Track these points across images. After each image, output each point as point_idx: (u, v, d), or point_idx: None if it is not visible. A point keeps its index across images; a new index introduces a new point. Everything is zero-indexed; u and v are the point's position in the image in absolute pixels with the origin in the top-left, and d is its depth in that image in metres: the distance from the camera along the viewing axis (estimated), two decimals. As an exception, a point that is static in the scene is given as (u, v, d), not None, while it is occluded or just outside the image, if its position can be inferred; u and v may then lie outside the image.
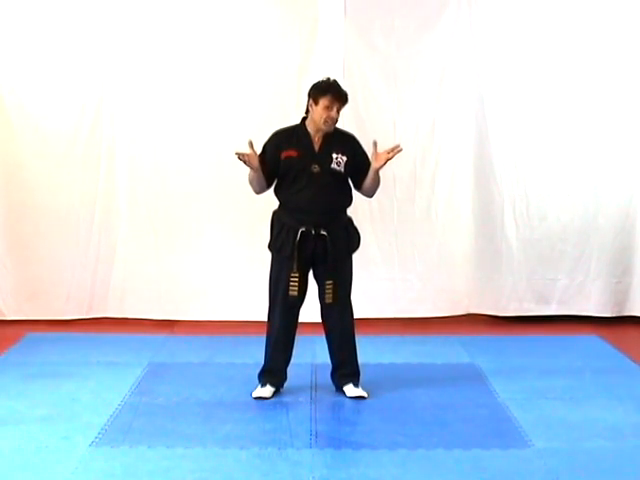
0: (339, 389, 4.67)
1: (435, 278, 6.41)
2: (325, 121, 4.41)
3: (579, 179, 6.31)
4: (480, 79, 6.24)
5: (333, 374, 4.72)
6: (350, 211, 6.26)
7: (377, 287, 6.37)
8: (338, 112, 4.42)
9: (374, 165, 4.45)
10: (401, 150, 4.45)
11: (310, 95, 4.46)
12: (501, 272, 6.41)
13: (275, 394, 4.63)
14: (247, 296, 6.21)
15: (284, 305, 4.54)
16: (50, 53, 6.13)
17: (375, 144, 4.43)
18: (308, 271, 4.57)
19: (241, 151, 4.36)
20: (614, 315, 6.41)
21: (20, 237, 6.27)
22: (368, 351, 4.86)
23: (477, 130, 6.28)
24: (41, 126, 6.17)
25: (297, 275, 4.46)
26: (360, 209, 6.30)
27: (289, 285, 4.47)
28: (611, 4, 6.17)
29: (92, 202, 6.27)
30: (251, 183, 4.53)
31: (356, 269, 6.23)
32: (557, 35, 6.19)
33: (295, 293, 4.48)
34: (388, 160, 4.42)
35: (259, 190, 4.58)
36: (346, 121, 6.16)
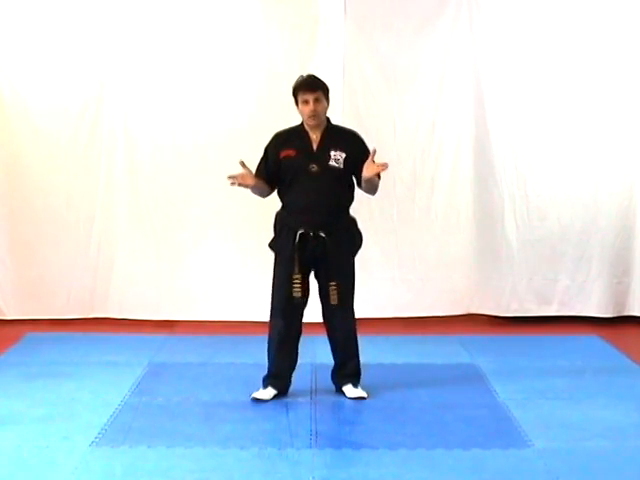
0: (339, 389, 4.66)
1: (435, 278, 6.41)
2: (308, 115, 4.40)
3: (579, 179, 6.31)
4: (480, 79, 6.24)
5: (334, 374, 4.71)
6: (350, 211, 6.27)
7: (377, 287, 6.36)
8: (319, 102, 4.39)
9: (364, 174, 4.39)
10: (386, 168, 4.37)
11: (294, 99, 4.48)
12: (501, 272, 6.40)
13: (277, 397, 4.60)
14: (247, 296, 6.21)
15: (286, 307, 4.52)
16: (50, 53, 6.13)
17: (374, 152, 4.37)
18: (309, 272, 4.55)
19: (233, 174, 4.34)
20: (614, 315, 6.41)
21: (20, 237, 6.27)
22: (368, 351, 4.86)
23: (477, 130, 6.28)
24: (41, 126, 6.18)
25: (299, 276, 4.44)
26: (360, 209, 6.28)
27: (292, 287, 4.45)
28: (611, 4, 6.17)
29: (92, 202, 6.28)
30: (254, 193, 4.54)
31: (356, 269, 6.25)
32: (557, 35, 6.19)
33: (299, 294, 4.46)
34: (378, 172, 4.35)
35: (263, 196, 4.59)
36: (346, 121, 6.18)
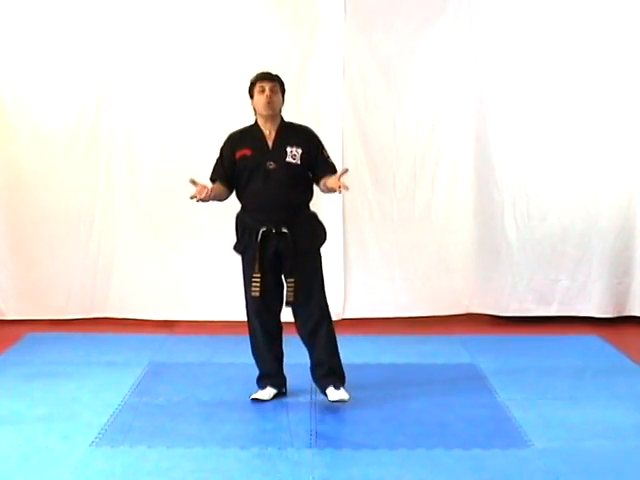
0: (322, 393, 4.53)
1: (435, 278, 6.41)
2: (264, 103, 4.40)
3: (580, 179, 6.31)
4: (480, 79, 6.24)
5: (312, 375, 4.58)
6: (351, 211, 6.26)
7: (377, 287, 6.37)
8: (275, 93, 4.41)
9: (328, 184, 4.32)
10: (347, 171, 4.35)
11: (249, 95, 4.50)
12: (501, 272, 6.40)
13: (277, 396, 4.59)
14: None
15: (258, 307, 4.51)
16: (50, 54, 6.14)
17: (346, 171, 4.32)
18: (279, 270, 4.49)
19: (192, 193, 4.26)
20: (615, 316, 6.41)
21: (20, 237, 6.28)
22: (368, 351, 4.86)
23: (477, 130, 6.28)
24: (41, 127, 6.19)
25: (258, 276, 4.41)
26: (360, 209, 6.34)
27: (252, 286, 4.42)
28: (611, 4, 6.17)
29: (92, 202, 6.28)
30: (213, 200, 4.43)
31: (356, 269, 6.26)
32: (557, 35, 6.18)
33: (257, 294, 4.42)
34: (337, 187, 4.26)
35: (221, 199, 4.53)
36: (346, 121, 6.21)
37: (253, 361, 4.74)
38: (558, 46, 6.19)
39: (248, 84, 4.51)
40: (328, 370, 4.52)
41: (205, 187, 4.33)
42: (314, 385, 4.68)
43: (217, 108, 6.18)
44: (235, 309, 6.24)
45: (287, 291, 4.45)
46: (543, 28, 6.17)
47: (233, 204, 6.16)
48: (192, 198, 4.29)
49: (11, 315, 6.33)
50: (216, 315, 6.28)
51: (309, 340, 4.55)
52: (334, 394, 4.47)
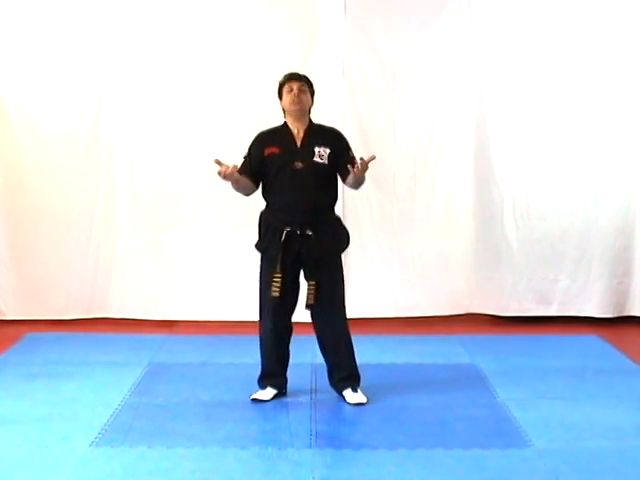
0: (339, 394, 4.59)
1: (435, 278, 6.41)
2: (292, 101, 4.42)
3: (580, 179, 6.31)
4: (480, 79, 6.24)
5: (330, 378, 4.64)
6: (351, 211, 6.26)
7: (377, 287, 6.37)
8: (303, 92, 4.44)
9: (356, 173, 4.34)
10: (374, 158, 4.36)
11: (278, 96, 4.52)
12: (501, 272, 6.40)
13: (277, 396, 4.59)
14: (247, 296, 6.18)
15: (273, 307, 4.49)
16: (50, 56, 6.14)
17: (373, 157, 4.32)
18: (298, 272, 4.51)
19: (221, 164, 4.30)
20: (615, 316, 6.41)
21: (20, 237, 6.28)
22: (368, 351, 4.86)
23: (477, 130, 6.28)
24: (41, 128, 6.19)
25: (280, 276, 4.40)
26: (360, 209, 6.33)
27: (272, 286, 4.41)
28: (611, 4, 6.17)
29: (92, 202, 6.28)
30: (237, 190, 4.51)
31: (356, 269, 6.25)
32: (557, 35, 6.18)
33: (277, 294, 4.41)
34: (365, 168, 4.31)
35: (246, 193, 4.57)
36: (346, 121, 6.20)
37: (253, 361, 4.74)
38: (558, 46, 6.19)
39: (279, 82, 4.51)
40: (348, 374, 4.57)
41: (233, 168, 4.33)
42: (314, 385, 4.67)
43: (216, 108, 6.18)
44: (235, 309, 6.29)
45: (307, 293, 4.45)
46: (543, 29, 6.17)
47: (234, 204, 6.19)
48: (219, 174, 4.31)
49: (11, 315, 6.33)
50: (216, 315, 6.29)
51: (329, 343, 4.57)
52: (353, 397, 4.52)
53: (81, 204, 6.27)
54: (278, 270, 4.40)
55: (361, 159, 4.31)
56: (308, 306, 4.47)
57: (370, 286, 6.32)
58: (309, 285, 4.45)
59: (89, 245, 6.31)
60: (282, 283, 4.41)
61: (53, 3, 6.13)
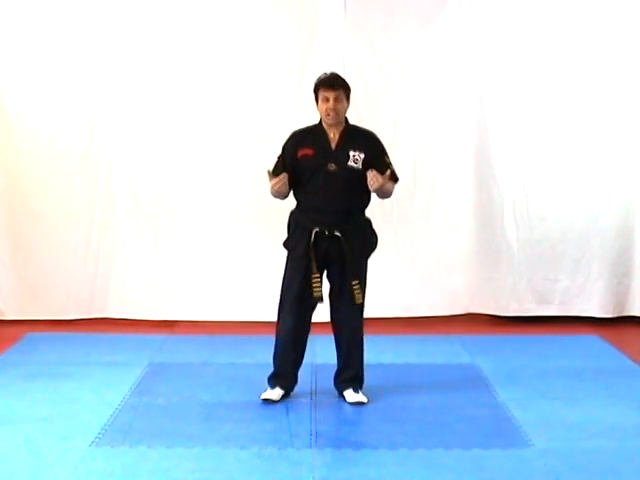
0: (340, 394, 4.59)
1: (435, 278, 6.41)
2: (326, 113, 4.38)
3: (580, 179, 6.31)
4: (480, 79, 6.24)
5: (336, 378, 4.64)
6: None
7: (377, 287, 6.34)
8: (339, 102, 4.37)
9: (371, 187, 4.37)
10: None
11: (314, 97, 4.46)
12: (501, 272, 6.40)
13: (283, 397, 4.57)
14: (247, 296, 6.21)
15: (296, 306, 4.47)
16: (50, 60, 6.13)
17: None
18: (323, 272, 4.49)
19: (273, 181, 4.35)
20: (615, 316, 6.41)
21: (20, 237, 6.27)
22: (368, 351, 4.84)
23: (477, 130, 6.28)
24: (41, 130, 6.18)
25: (317, 276, 4.40)
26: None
27: (312, 287, 4.39)
28: (611, 5, 6.17)
29: (92, 202, 6.27)
30: (276, 196, 4.49)
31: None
32: (558, 36, 6.18)
33: (320, 294, 4.41)
34: (378, 180, 4.34)
35: (284, 197, 4.54)
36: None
37: (253, 361, 4.74)
38: (558, 46, 6.19)
39: (315, 83, 4.45)
40: (353, 375, 4.57)
41: (285, 176, 4.37)
42: (314, 385, 4.67)
43: (216, 108, 6.18)
44: (235, 309, 6.29)
45: (355, 294, 4.43)
46: (544, 29, 6.17)
47: (234, 204, 6.20)
48: (273, 186, 4.35)
49: (11, 315, 6.32)
50: (216, 315, 6.28)
51: (346, 345, 4.56)
52: (353, 397, 4.52)
53: (81, 205, 6.26)
54: (315, 270, 4.39)
55: (372, 172, 4.32)
56: (347, 306, 4.45)
57: (370, 286, 6.29)
58: (354, 285, 4.42)
59: (89, 245, 6.30)
60: (320, 282, 4.40)
61: (54, 7, 6.12)
